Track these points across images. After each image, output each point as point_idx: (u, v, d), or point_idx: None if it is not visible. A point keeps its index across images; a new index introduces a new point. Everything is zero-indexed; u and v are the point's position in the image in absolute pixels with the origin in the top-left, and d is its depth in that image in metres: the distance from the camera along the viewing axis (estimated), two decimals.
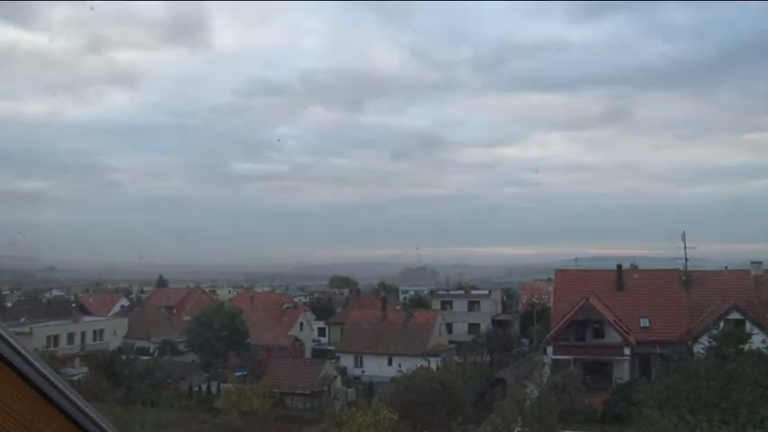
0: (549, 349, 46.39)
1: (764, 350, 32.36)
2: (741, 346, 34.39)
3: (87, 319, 69.38)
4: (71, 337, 62.28)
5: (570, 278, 54.76)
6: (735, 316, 42.10)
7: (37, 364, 2.31)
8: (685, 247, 52.00)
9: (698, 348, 38.45)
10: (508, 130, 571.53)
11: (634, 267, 63.69)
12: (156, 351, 62.29)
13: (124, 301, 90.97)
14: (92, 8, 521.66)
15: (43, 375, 2.35)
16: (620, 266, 53.57)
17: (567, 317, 46.76)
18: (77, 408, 2.52)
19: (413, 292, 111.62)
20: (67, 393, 2.46)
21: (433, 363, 49.40)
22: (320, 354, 62.58)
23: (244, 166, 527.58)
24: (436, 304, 75.44)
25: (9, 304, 78.90)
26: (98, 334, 65.60)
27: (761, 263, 48.54)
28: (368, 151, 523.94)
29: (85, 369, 49.23)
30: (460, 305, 76.69)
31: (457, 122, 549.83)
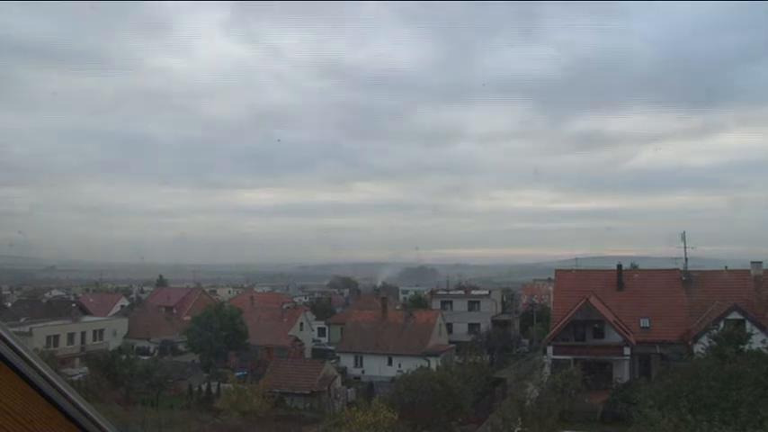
0: (549, 349, 46.42)
1: (764, 350, 32.36)
2: (741, 346, 34.41)
3: (87, 319, 69.34)
4: (71, 337, 62.23)
5: (570, 278, 54.77)
6: (735, 316, 42.13)
7: (37, 364, 2.30)
8: (685, 247, 52.13)
9: (698, 348, 38.46)
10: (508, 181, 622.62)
11: (634, 267, 63.68)
12: (156, 351, 62.27)
13: (124, 301, 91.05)
14: (91, 8, 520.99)
15: (43, 375, 2.34)
16: (620, 266, 53.57)
17: (567, 317, 46.77)
18: (77, 408, 2.51)
19: (413, 292, 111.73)
20: (67, 393, 2.46)
21: (433, 363, 49.37)
22: (320, 354, 62.55)
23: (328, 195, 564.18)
24: (436, 304, 75.42)
25: (9, 304, 78.80)
26: (98, 334, 65.55)
27: (761, 263, 48.58)
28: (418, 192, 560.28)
29: (85, 369, 49.19)
30: (460, 305, 76.70)
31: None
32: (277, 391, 41.76)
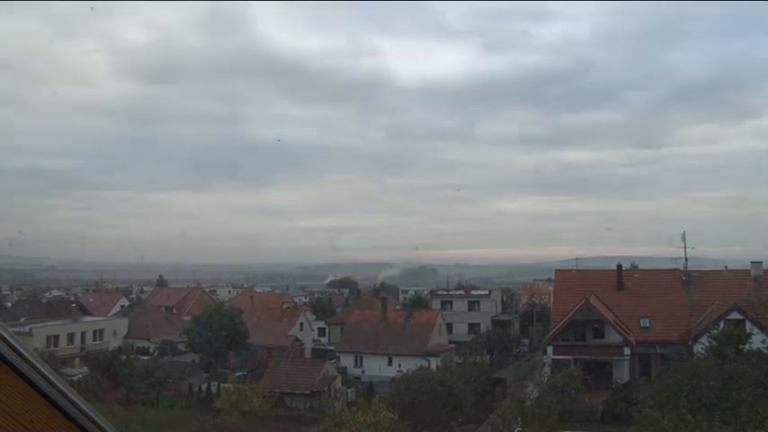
0: (549, 349, 46.42)
1: (764, 350, 32.35)
2: (741, 346, 34.39)
3: (87, 319, 69.34)
4: (71, 337, 62.24)
5: (570, 278, 54.76)
6: (735, 316, 42.10)
7: (37, 364, 2.30)
8: (685, 247, 52.09)
9: (698, 348, 38.45)
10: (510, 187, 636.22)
11: (634, 267, 63.67)
12: (156, 351, 62.29)
13: (124, 301, 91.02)
14: (92, 8, 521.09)
15: (43, 375, 2.33)
16: (620, 266, 53.56)
17: (567, 317, 46.77)
18: (77, 408, 2.51)
19: (413, 292, 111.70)
20: (67, 393, 2.45)
21: (433, 363, 49.38)
22: (320, 354, 62.54)
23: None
24: (436, 304, 75.44)
25: (9, 304, 78.80)
26: (98, 334, 65.57)
27: (761, 263, 48.55)
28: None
29: (85, 369, 49.19)
30: (460, 305, 76.71)
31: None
32: (277, 391, 41.77)
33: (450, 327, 67.90)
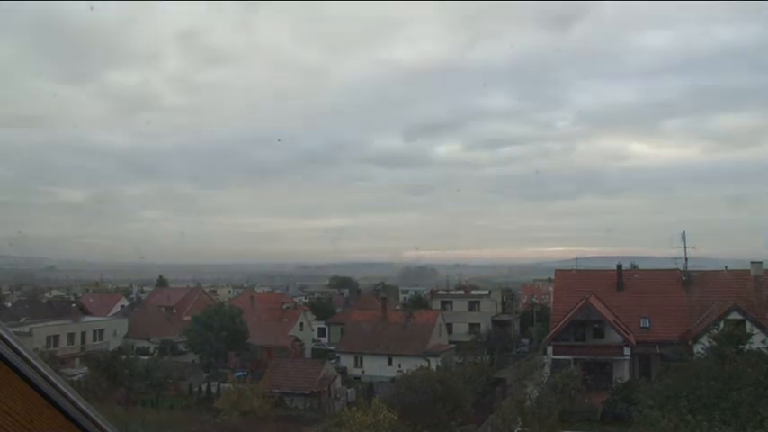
0: (549, 349, 46.44)
1: (764, 350, 32.33)
2: (741, 346, 34.34)
3: (87, 319, 69.35)
4: (71, 337, 62.27)
5: (570, 278, 54.77)
6: (735, 316, 42.09)
7: (37, 364, 2.30)
8: (685, 247, 52.06)
9: (698, 348, 38.41)
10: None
11: (634, 267, 63.70)
12: (156, 351, 62.27)
13: (124, 301, 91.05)
14: (91, 8, 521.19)
15: (43, 375, 2.33)
16: (620, 266, 53.58)
17: (567, 317, 46.79)
18: (77, 408, 2.51)
19: (413, 292, 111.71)
20: (67, 393, 2.45)
21: (433, 363, 49.39)
22: (320, 354, 62.56)
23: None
24: (436, 304, 75.45)
25: (9, 304, 78.80)
26: (98, 334, 65.61)
27: (761, 263, 48.51)
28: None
29: (85, 369, 49.17)
30: (460, 305, 76.73)
31: None
32: (277, 391, 41.79)
33: (450, 327, 67.89)
